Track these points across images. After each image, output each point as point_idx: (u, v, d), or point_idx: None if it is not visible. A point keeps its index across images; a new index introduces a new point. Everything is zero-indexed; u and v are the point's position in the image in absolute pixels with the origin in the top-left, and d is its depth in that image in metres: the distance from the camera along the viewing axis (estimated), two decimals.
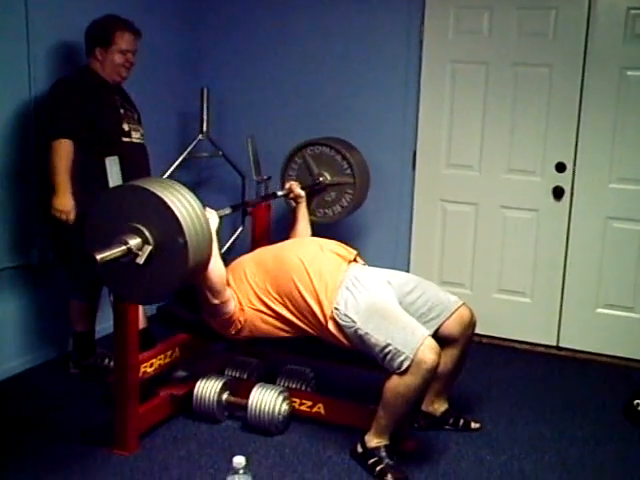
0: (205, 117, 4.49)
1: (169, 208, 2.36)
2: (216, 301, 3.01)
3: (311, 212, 3.96)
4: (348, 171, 4.04)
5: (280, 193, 3.78)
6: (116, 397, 3.02)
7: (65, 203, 3.38)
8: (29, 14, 3.61)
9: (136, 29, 3.62)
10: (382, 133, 4.51)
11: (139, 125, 3.72)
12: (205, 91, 4.46)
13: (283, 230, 3.77)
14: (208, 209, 3.02)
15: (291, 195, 3.77)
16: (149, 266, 2.40)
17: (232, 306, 3.07)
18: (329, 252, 3.22)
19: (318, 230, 3.77)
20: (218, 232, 2.95)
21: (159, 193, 2.38)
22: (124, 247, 2.38)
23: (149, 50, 4.20)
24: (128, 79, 3.70)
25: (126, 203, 2.46)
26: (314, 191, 4.06)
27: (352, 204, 4.12)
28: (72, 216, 3.39)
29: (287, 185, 3.82)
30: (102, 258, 2.33)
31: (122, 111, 3.60)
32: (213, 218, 2.97)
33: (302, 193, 3.76)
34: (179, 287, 2.56)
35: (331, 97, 4.60)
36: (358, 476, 2.90)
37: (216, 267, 2.90)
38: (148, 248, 2.39)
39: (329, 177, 4.08)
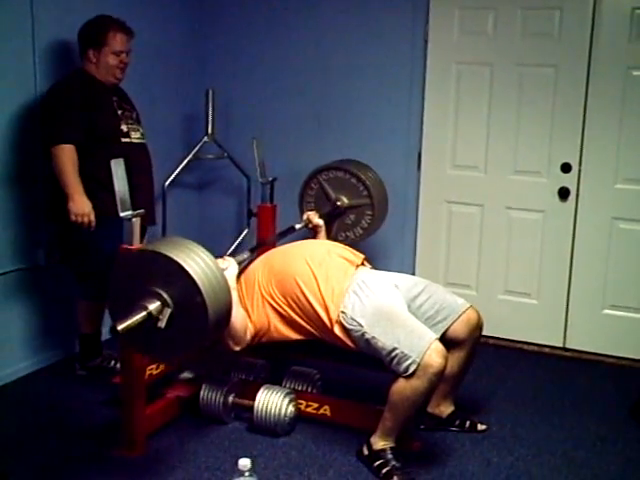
0: (210, 119, 4.49)
1: (184, 270, 2.36)
2: (237, 348, 3.07)
3: (332, 236, 3.97)
4: (365, 192, 4.01)
5: (298, 226, 3.76)
6: (123, 399, 3.02)
7: (83, 206, 3.38)
8: (34, 12, 3.61)
9: (128, 29, 3.59)
10: (387, 134, 4.51)
11: (139, 125, 3.71)
12: (210, 92, 4.46)
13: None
14: (226, 257, 3.07)
15: (310, 226, 3.78)
16: (171, 327, 2.42)
17: (248, 339, 3.11)
18: (336, 256, 3.22)
19: None
20: (239, 276, 2.97)
21: (173, 256, 2.39)
22: (144, 313, 2.38)
23: (155, 51, 4.22)
24: (133, 80, 3.70)
25: (143, 267, 2.47)
26: (333, 216, 4.04)
27: (373, 225, 4.09)
28: (92, 217, 3.39)
29: (305, 217, 3.81)
30: (124, 327, 2.34)
31: (120, 112, 3.59)
32: (232, 266, 3.00)
33: (320, 222, 3.77)
34: (205, 343, 2.58)
35: (336, 98, 4.60)
36: (364, 478, 2.89)
37: (238, 315, 2.94)
38: (168, 311, 2.40)
39: (347, 200, 4.05)
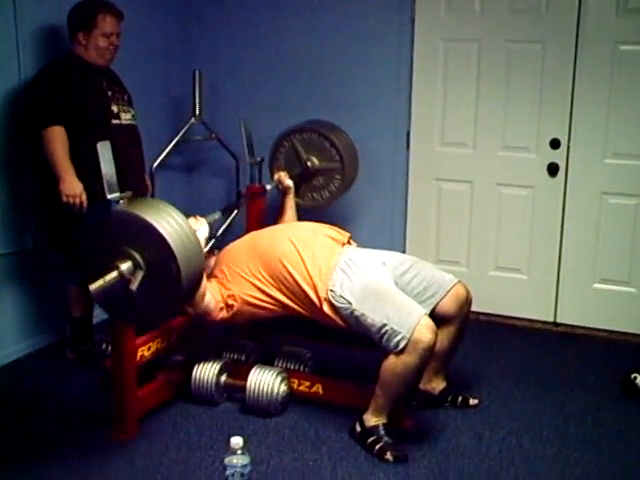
0: (198, 100, 4.47)
1: (157, 231, 2.37)
2: (191, 311, 3.05)
3: (299, 196, 3.99)
4: (337, 157, 4.02)
5: (269, 187, 3.80)
6: (114, 381, 3.02)
7: (74, 187, 3.36)
8: None
9: (118, 11, 3.56)
10: (375, 113, 4.49)
11: (129, 106, 3.69)
12: (197, 74, 4.43)
13: (276, 213, 3.77)
14: (198, 217, 3.03)
15: (280, 187, 3.79)
16: (143, 291, 2.41)
17: (213, 307, 3.09)
18: (322, 236, 3.22)
19: (310, 215, 3.75)
20: (209, 236, 2.96)
21: (146, 217, 2.39)
22: (116, 273, 2.38)
23: (141, 33, 4.19)
24: (120, 62, 3.66)
25: (115, 229, 2.48)
26: (303, 177, 4.05)
27: (341, 189, 4.11)
28: (84, 198, 3.37)
29: (276, 177, 3.83)
30: (96, 288, 2.36)
31: (110, 93, 3.57)
32: (203, 227, 2.98)
33: (291, 184, 3.79)
34: (176, 309, 2.58)
35: (323, 78, 4.57)
36: (357, 455, 2.91)
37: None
38: (140, 273, 2.39)
39: (317, 163, 4.06)
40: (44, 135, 3.35)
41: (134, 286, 2.39)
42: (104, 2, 3.54)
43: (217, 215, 3.25)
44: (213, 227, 3.15)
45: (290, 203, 3.78)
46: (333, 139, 4.01)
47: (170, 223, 2.41)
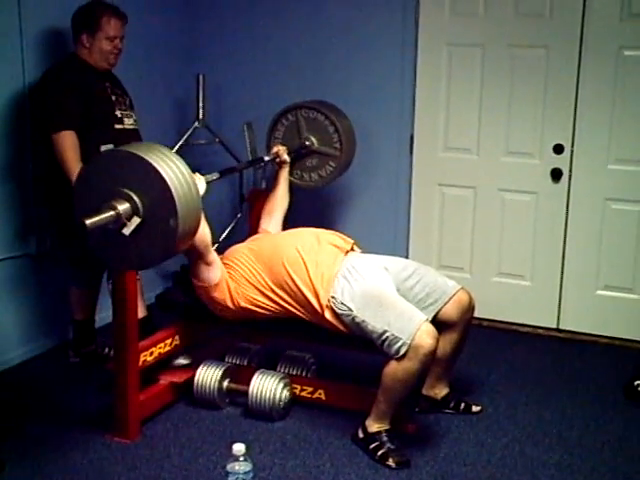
0: (201, 104, 4.46)
1: (163, 180, 2.34)
2: (201, 264, 3.05)
3: (289, 172, 3.93)
4: (337, 145, 4.00)
5: (267, 158, 3.78)
6: (117, 385, 3.02)
7: None
8: (21, 0, 3.58)
9: (122, 14, 3.55)
10: (379, 117, 4.49)
11: (131, 111, 3.69)
12: (201, 78, 4.42)
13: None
14: (197, 175, 3.01)
15: (277, 160, 3.78)
16: (138, 235, 2.40)
17: (218, 274, 3.09)
18: (326, 244, 3.22)
19: (303, 196, 3.70)
20: (204, 197, 2.95)
21: (154, 162, 2.37)
22: (113, 212, 2.37)
23: (145, 36, 4.19)
24: (123, 66, 3.66)
25: (118, 169, 2.45)
26: (299, 154, 4.02)
27: (331, 176, 4.08)
28: None
29: (274, 149, 3.81)
30: (92, 223, 2.33)
31: (113, 98, 3.57)
32: (201, 184, 2.98)
33: (288, 159, 3.79)
34: (169, 255, 2.55)
35: (327, 82, 4.57)
36: (360, 461, 2.90)
37: (202, 231, 2.88)
38: (136, 220, 2.38)
39: (316, 144, 4.04)
40: (55, 140, 3.35)
41: (128, 231, 2.37)
42: (108, 5, 3.54)
43: (215, 176, 3.26)
44: (210, 186, 3.13)
45: (283, 177, 3.78)
46: (338, 126, 3.97)
47: (173, 170, 2.39)
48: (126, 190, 2.40)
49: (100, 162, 2.59)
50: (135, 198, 2.40)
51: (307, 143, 4.02)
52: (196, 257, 3.04)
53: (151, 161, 2.37)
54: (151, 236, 2.42)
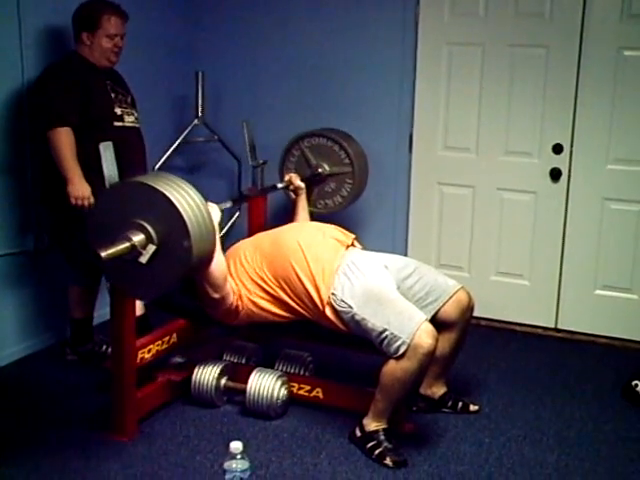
0: (200, 101, 4.47)
1: (174, 206, 2.38)
2: (216, 295, 3.00)
3: (312, 204, 3.98)
4: (346, 161, 4.04)
5: (280, 185, 3.78)
6: (114, 383, 3.01)
7: (82, 189, 3.34)
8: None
9: (123, 12, 3.54)
10: (378, 116, 4.49)
11: (133, 109, 3.68)
12: (200, 75, 4.42)
13: (278, 215, 3.77)
14: (210, 203, 3.02)
15: (291, 187, 3.77)
16: (152, 263, 2.41)
17: (232, 298, 3.06)
18: (328, 237, 3.21)
19: (318, 219, 3.75)
20: (220, 224, 2.96)
21: (164, 190, 2.39)
22: (128, 244, 2.39)
23: (144, 33, 4.18)
24: (122, 63, 3.65)
25: (130, 200, 2.48)
26: (314, 182, 4.05)
27: (352, 193, 4.12)
28: (92, 200, 3.34)
29: (287, 177, 3.81)
30: (107, 255, 2.35)
31: (113, 95, 3.56)
32: (215, 212, 2.97)
33: (302, 185, 3.76)
34: (180, 283, 2.58)
35: (326, 80, 4.57)
36: (357, 459, 2.90)
37: (218, 262, 2.89)
38: (152, 248, 2.40)
39: (328, 168, 4.07)
40: (51, 137, 3.34)
41: (144, 259, 2.39)
42: (109, 2, 3.52)
43: (228, 204, 3.28)
44: (224, 213, 3.15)
45: (302, 204, 3.76)
46: (342, 142, 4.02)
47: (186, 199, 2.42)
48: (139, 221, 2.42)
49: (111, 194, 2.63)
50: (149, 228, 2.43)
51: (319, 170, 4.06)
52: (213, 290, 2.97)
53: (162, 189, 2.41)
54: (166, 263, 2.44)
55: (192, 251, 2.40)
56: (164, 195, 2.40)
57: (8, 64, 3.58)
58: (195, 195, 2.49)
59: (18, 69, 3.62)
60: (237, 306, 3.10)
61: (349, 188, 4.08)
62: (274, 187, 3.78)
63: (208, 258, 2.62)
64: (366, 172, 4.23)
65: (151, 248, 2.41)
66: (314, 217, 3.83)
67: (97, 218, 2.56)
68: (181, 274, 2.50)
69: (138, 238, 2.41)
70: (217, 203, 3.07)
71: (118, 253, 2.38)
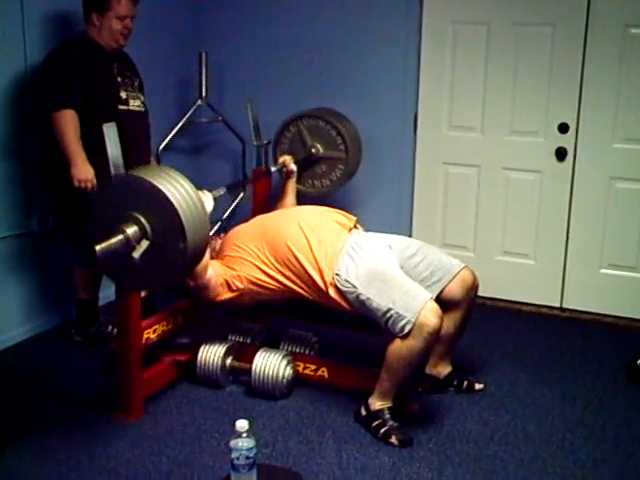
0: (204, 82, 4.45)
1: (172, 205, 2.37)
2: (194, 283, 3.05)
3: (300, 181, 3.98)
4: (342, 147, 4.02)
5: (274, 168, 3.81)
6: (120, 363, 3.03)
7: (86, 172, 3.34)
8: None
9: None
10: (383, 96, 4.46)
11: (139, 93, 3.66)
12: (204, 55, 4.41)
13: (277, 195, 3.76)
14: (204, 191, 3.02)
15: (284, 170, 3.79)
16: (145, 260, 2.41)
17: (214, 282, 3.10)
18: (330, 221, 3.22)
19: (310, 202, 3.74)
20: (212, 214, 2.96)
21: (155, 182, 2.38)
22: (121, 236, 2.39)
23: (148, 14, 4.14)
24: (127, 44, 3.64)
25: (127, 194, 2.47)
26: (306, 163, 4.04)
27: (342, 179, 4.10)
28: (95, 182, 3.35)
29: (281, 160, 3.83)
30: (101, 249, 2.36)
31: (119, 79, 3.54)
32: (208, 201, 2.98)
33: (294, 169, 3.79)
34: (177, 279, 2.58)
35: (331, 60, 4.54)
36: (362, 438, 2.91)
37: None
38: (145, 243, 2.40)
39: (322, 150, 4.06)
40: (55, 118, 3.33)
41: (137, 254, 2.39)
42: None
43: (222, 191, 3.25)
44: (217, 202, 3.14)
45: (291, 187, 3.80)
46: (340, 128, 4.00)
47: (180, 192, 2.41)
48: (134, 213, 2.42)
49: (109, 187, 2.63)
50: (143, 221, 2.42)
51: (313, 150, 4.05)
52: (190, 279, 3.04)
53: (156, 183, 2.39)
54: (161, 257, 2.44)
55: (187, 253, 2.40)
56: (159, 189, 2.38)
57: (11, 48, 3.57)
58: (190, 189, 2.46)
59: (21, 53, 3.61)
60: (236, 288, 3.13)
61: (339, 173, 4.07)
62: (268, 170, 3.81)
63: (199, 257, 2.62)
64: (359, 159, 4.21)
65: (145, 243, 2.40)
66: (300, 197, 3.85)
67: (95, 212, 2.55)
68: (176, 271, 2.50)
69: (132, 230, 2.40)
70: (210, 190, 3.07)
71: (112, 246, 2.38)
